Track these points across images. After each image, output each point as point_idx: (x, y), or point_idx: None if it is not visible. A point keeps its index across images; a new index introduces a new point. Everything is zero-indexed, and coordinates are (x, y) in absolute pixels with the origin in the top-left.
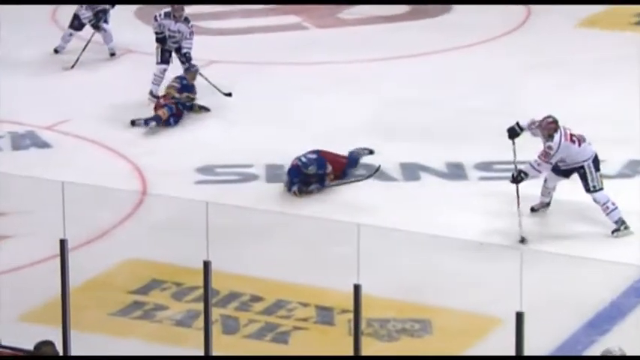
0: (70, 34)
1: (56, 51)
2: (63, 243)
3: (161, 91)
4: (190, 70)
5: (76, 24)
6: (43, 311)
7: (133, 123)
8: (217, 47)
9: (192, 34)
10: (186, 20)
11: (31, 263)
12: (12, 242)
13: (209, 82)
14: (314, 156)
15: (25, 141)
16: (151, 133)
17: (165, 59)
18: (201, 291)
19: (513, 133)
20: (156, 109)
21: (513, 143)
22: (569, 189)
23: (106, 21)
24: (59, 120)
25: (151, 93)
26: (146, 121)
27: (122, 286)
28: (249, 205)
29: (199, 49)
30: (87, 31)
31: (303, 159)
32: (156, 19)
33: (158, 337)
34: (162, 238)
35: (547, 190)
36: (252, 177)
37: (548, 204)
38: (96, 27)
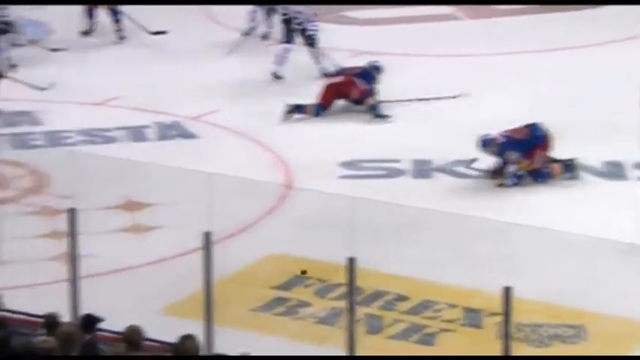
0: (255, 11)
1: (247, 34)
2: (207, 236)
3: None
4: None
5: None
6: (187, 304)
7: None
8: (366, 37)
9: (315, 15)
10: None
11: (175, 255)
12: (157, 233)
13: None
14: (503, 139)
15: (171, 131)
16: (296, 126)
17: (289, 39)
18: (345, 288)
19: None
20: (333, 95)
21: None
22: None
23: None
24: (206, 111)
25: (275, 74)
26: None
27: (265, 281)
28: (395, 201)
29: (348, 39)
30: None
31: (485, 138)
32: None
33: (300, 335)
34: (307, 233)
35: None
36: (399, 172)
37: None
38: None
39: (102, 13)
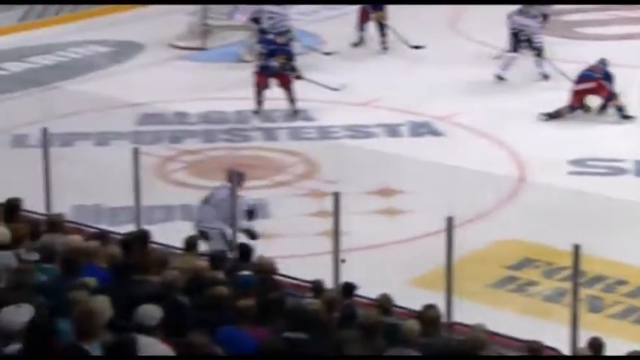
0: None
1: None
2: (450, 220)
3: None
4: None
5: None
6: (430, 278)
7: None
8: (594, 51)
9: (541, 29)
10: (535, 17)
11: (422, 236)
12: (408, 216)
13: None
14: None
15: (422, 129)
16: (529, 126)
17: (515, 48)
18: (569, 271)
19: None
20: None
21: None
22: None
23: None
24: (452, 112)
25: (498, 76)
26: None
27: (498, 262)
28: (617, 197)
29: (577, 52)
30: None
31: None
32: (509, 17)
33: (528, 310)
34: (537, 222)
35: None
36: (622, 171)
37: None
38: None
39: (371, 27)
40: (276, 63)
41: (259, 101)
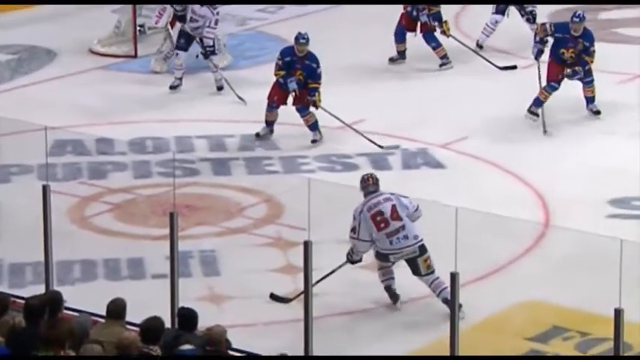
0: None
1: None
2: (454, 277)
3: None
4: None
5: None
6: (430, 352)
7: None
8: None
9: None
10: None
11: (419, 297)
12: (400, 272)
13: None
14: None
15: (416, 159)
16: (557, 155)
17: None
18: (610, 344)
19: None
20: None
21: None
22: None
23: None
24: (455, 138)
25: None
26: None
27: (518, 331)
28: None
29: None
30: None
31: None
32: None
33: None
34: (567, 279)
35: None
36: None
37: None
38: None
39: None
40: (294, 80)
41: (268, 121)
